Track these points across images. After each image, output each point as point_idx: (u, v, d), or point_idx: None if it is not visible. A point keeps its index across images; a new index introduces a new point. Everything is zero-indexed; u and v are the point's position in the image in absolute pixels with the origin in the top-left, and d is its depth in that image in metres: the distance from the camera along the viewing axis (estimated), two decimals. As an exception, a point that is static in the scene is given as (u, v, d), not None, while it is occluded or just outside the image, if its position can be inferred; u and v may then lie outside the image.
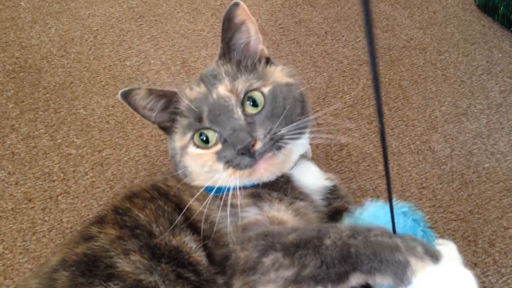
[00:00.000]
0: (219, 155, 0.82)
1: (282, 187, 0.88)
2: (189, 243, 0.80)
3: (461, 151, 1.32)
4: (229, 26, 0.88)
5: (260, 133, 0.80)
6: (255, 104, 0.83)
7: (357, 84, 1.50)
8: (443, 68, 1.55)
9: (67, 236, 1.14)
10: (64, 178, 1.25)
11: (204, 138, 0.83)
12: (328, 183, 0.97)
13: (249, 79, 0.85)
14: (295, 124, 0.83)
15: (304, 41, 1.64)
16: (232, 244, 0.77)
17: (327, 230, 0.71)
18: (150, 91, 0.89)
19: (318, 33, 1.67)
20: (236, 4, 0.87)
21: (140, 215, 0.82)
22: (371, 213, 0.83)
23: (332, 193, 0.97)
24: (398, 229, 0.72)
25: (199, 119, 0.84)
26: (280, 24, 1.70)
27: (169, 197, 0.88)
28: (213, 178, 0.83)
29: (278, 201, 0.83)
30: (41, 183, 1.23)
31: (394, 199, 0.78)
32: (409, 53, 1.59)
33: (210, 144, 0.83)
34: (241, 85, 0.84)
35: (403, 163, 1.29)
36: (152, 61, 1.56)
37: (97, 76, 1.50)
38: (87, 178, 1.25)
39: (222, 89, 0.84)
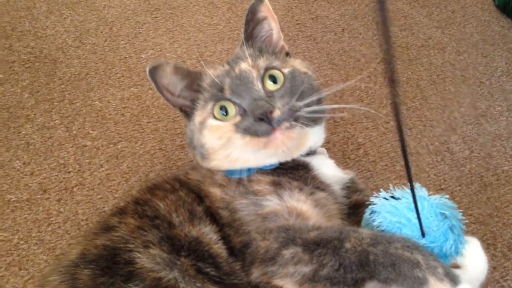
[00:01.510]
0: (237, 126, 0.83)
1: (303, 176, 0.88)
2: (209, 233, 0.79)
3: (480, 153, 1.30)
4: (252, 19, 0.94)
5: (279, 103, 0.82)
6: (274, 82, 0.86)
7: (375, 83, 1.48)
8: (462, 68, 1.53)
9: (83, 228, 1.13)
10: (79, 170, 1.24)
11: (224, 112, 0.86)
12: (346, 176, 0.98)
13: (270, 59, 0.90)
14: (313, 100, 0.85)
15: (321, 38, 1.62)
16: (253, 233, 0.77)
17: (348, 234, 0.70)
18: (177, 68, 0.91)
19: (335, 30, 1.65)
20: (261, 1, 0.92)
21: (161, 204, 0.82)
22: (407, 206, 0.79)
23: (350, 186, 0.97)
24: (431, 230, 0.71)
25: (221, 90, 0.87)
26: (296, 20, 1.68)
27: (190, 187, 0.87)
28: (230, 154, 0.85)
29: (298, 190, 0.83)
30: (56, 174, 1.23)
31: (426, 193, 0.77)
32: (428, 53, 1.58)
33: (229, 117, 0.85)
34: (262, 62, 0.88)
35: (421, 164, 1.28)
36: (167, 54, 1.55)
37: (113, 68, 1.49)
38: (103, 170, 1.24)
39: (244, 65, 0.88)
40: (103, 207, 1.17)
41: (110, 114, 1.37)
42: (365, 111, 1.36)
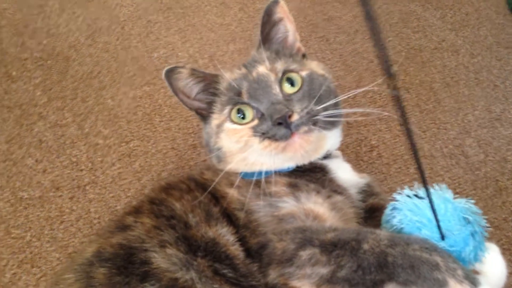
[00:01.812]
0: (255, 129, 0.83)
1: (320, 179, 0.88)
2: (226, 235, 0.78)
3: (495, 157, 1.29)
4: (268, 21, 0.94)
5: (297, 107, 0.82)
6: (292, 85, 0.86)
7: (388, 84, 1.47)
8: (476, 71, 1.52)
9: (95, 227, 1.13)
10: (91, 168, 1.23)
11: (241, 115, 0.86)
12: (362, 180, 0.98)
13: (288, 62, 0.90)
14: (330, 105, 0.85)
15: (333, 39, 1.62)
16: (269, 234, 0.76)
17: (365, 235, 0.69)
18: (193, 71, 0.91)
19: (348, 31, 1.64)
20: (276, 2, 0.92)
21: (177, 204, 0.82)
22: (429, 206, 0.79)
23: (367, 190, 0.97)
24: (451, 233, 0.69)
25: (238, 94, 0.87)
26: (309, 21, 1.67)
27: (205, 188, 0.86)
28: (247, 157, 0.85)
29: (315, 193, 0.83)
30: (68, 171, 1.22)
31: (452, 195, 0.75)
32: (441, 55, 1.56)
33: (246, 120, 0.85)
34: (280, 65, 0.88)
35: (436, 167, 1.27)
36: (179, 53, 1.55)
37: (125, 67, 1.49)
38: (115, 169, 1.24)
39: (262, 68, 0.88)
40: (115, 206, 1.17)
41: (122, 113, 1.36)
42: (381, 114, 1.35)
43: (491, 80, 1.50)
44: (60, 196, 1.18)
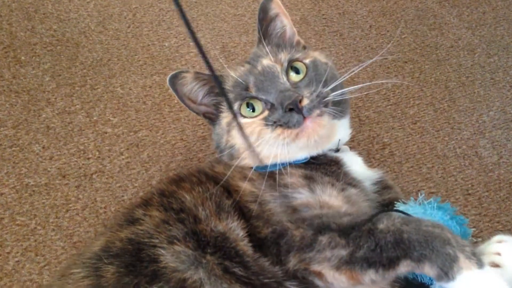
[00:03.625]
0: (266, 120, 0.84)
1: (335, 171, 0.88)
2: (236, 229, 0.78)
3: (509, 159, 1.26)
4: (264, 18, 0.96)
5: (306, 92, 0.83)
6: (298, 73, 0.88)
7: (402, 82, 1.44)
8: (492, 71, 1.49)
9: (101, 216, 1.11)
10: (99, 157, 1.22)
11: (251, 109, 0.86)
12: (376, 174, 0.99)
13: (291, 53, 0.92)
14: (337, 86, 0.87)
15: (347, 34, 1.59)
16: (285, 222, 0.76)
17: (379, 216, 0.71)
18: (197, 74, 0.92)
19: (363, 26, 1.61)
20: None
21: (187, 196, 0.81)
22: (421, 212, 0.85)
23: (381, 184, 0.98)
24: None
25: (246, 88, 0.87)
26: (323, 15, 1.64)
27: (217, 181, 0.86)
28: (260, 152, 0.85)
29: (330, 185, 0.83)
30: (76, 159, 1.21)
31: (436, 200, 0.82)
32: (457, 54, 1.53)
33: (256, 113, 0.86)
34: (283, 56, 0.90)
35: (448, 167, 1.24)
36: (191, 43, 1.52)
37: (135, 55, 1.46)
38: (123, 158, 1.22)
39: (266, 61, 0.89)
40: (122, 196, 1.15)
41: (131, 102, 1.34)
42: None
43: (507, 80, 1.47)
44: (67, 184, 1.16)
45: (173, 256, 0.70)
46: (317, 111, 0.81)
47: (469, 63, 1.51)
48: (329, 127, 0.85)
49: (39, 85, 1.35)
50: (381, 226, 0.69)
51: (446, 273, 0.64)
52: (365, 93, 1.40)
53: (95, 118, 1.29)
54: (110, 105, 1.33)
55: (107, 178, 1.18)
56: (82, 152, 1.22)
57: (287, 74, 0.87)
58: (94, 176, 1.18)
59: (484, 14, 1.67)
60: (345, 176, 0.88)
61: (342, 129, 0.94)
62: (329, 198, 0.81)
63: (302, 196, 0.81)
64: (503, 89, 1.44)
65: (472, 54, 1.54)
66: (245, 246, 0.76)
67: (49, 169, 1.18)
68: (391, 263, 0.67)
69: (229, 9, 1.64)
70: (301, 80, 0.87)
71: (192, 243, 0.73)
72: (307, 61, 0.90)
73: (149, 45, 1.50)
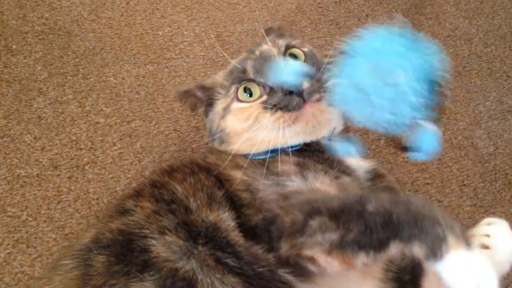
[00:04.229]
0: (265, 103, 0.83)
1: (328, 159, 0.88)
2: (227, 220, 0.77)
3: (505, 150, 1.26)
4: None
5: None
6: (296, 59, 0.88)
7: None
8: (488, 61, 1.48)
9: (93, 208, 1.10)
10: (91, 147, 1.20)
11: (248, 94, 0.86)
12: (369, 163, 0.98)
13: (289, 39, 0.93)
14: None
15: (343, 23, 1.57)
16: (275, 209, 0.76)
17: (368, 197, 0.71)
18: (202, 86, 0.96)
19: (359, 15, 1.60)
20: None
21: (178, 187, 0.80)
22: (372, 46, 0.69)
23: (374, 172, 0.97)
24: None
25: (243, 71, 0.88)
26: (319, 4, 1.62)
27: (209, 171, 0.85)
28: (254, 136, 0.84)
29: (323, 173, 0.82)
30: (67, 150, 1.19)
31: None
32: (454, 43, 1.52)
33: (254, 97, 0.86)
34: (282, 41, 0.91)
35: (444, 158, 1.24)
36: (185, 32, 1.50)
37: (128, 44, 1.44)
38: (115, 149, 1.21)
39: (265, 46, 0.90)
40: (115, 187, 1.14)
41: (124, 92, 1.33)
42: None
43: (504, 70, 1.45)
44: (58, 175, 1.15)
45: (164, 246, 0.69)
46: (317, 96, 0.81)
47: (466, 52, 1.50)
48: (327, 113, 0.85)
49: (30, 74, 1.33)
50: (370, 208, 0.68)
51: (435, 254, 0.63)
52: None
53: (87, 108, 1.28)
54: (102, 95, 1.31)
55: (99, 169, 1.17)
56: (74, 142, 1.21)
57: (285, 58, 0.87)
58: (86, 167, 1.17)
59: (481, 4, 1.66)
60: (338, 164, 0.87)
61: (336, 118, 0.93)
62: (322, 185, 0.80)
63: (294, 183, 0.80)
64: (499, 79, 1.43)
65: (469, 43, 1.53)
66: (236, 236, 0.75)
67: (40, 160, 1.17)
68: (381, 245, 0.66)
69: (224, -2, 1.62)
70: None
71: (184, 234, 0.72)
72: (305, 49, 0.91)
73: (142, 34, 1.48)
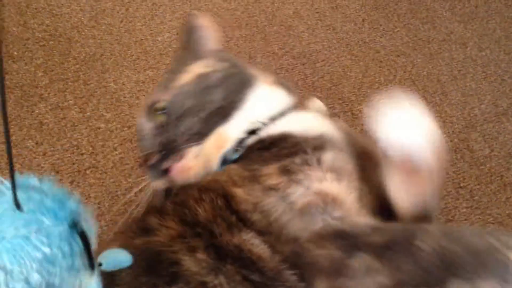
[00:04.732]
0: None
1: (296, 146, 0.77)
2: (251, 239, 0.70)
3: (500, 152, 1.28)
4: None
5: (157, 140, 0.82)
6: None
7: (394, 76, 1.45)
8: (483, 65, 1.50)
9: (95, 212, 1.11)
10: (92, 152, 1.22)
11: None
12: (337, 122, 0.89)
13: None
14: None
15: (340, 28, 1.59)
16: (302, 241, 0.68)
17: (414, 231, 0.64)
18: None
19: (355, 20, 1.62)
20: None
21: (199, 209, 0.74)
22: None
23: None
24: None
25: None
26: (316, 9, 1.65)
27: (215, 190, 0.78)
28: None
29: (307, 166, 0.74)
30: (69, 155, 1.21)
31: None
32: (449, 47, 1.54)
33: None
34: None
35: (440, 161, 1.25)
36: (184, 37, 1.52)
37: (128, 50, 1.46)
38: (116, 154, 1.22)
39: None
40: (116, 191, 1.16)
41: (124, 97, 1.34)
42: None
43: (498, 74, 1.48)
44: (60, 180, 1.16)
45: (194, 262, 0.66)
46: (175, 156, 0.77)
47: (461, 56, 1.52)
48: (204, 156, 0.80)
49: (31, 81, 1.34)
50: (419, 243, 0.62)
51: (506, 280, 0.58)
52: (358, 87, 1.41)
53: (88, 113, 1.29)
54: (103, 100, 1.33)
55: (100, 174, 1.18)
56: (75, 147, 1.22)
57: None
58: (87, 171, 1.18)
59: (476, 8, 1.68)
60: (305, 143, 0.76)
61: (235, 128, 0.83)
62: (320, 184, 0.73)
63: (296, 196, 0.72)
64: (494, 83, 1.45)
65: (464, 47, 1.55)
66: (261, 250, 0.70)
67: (42, 165, 1.18)
68: (437, 285, 0.60)
69: (222, 3, 1.64)
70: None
71: (213, 255, 0.68)
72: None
73: (142, 39, 1.50)
